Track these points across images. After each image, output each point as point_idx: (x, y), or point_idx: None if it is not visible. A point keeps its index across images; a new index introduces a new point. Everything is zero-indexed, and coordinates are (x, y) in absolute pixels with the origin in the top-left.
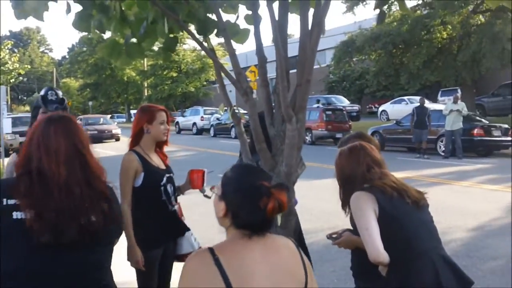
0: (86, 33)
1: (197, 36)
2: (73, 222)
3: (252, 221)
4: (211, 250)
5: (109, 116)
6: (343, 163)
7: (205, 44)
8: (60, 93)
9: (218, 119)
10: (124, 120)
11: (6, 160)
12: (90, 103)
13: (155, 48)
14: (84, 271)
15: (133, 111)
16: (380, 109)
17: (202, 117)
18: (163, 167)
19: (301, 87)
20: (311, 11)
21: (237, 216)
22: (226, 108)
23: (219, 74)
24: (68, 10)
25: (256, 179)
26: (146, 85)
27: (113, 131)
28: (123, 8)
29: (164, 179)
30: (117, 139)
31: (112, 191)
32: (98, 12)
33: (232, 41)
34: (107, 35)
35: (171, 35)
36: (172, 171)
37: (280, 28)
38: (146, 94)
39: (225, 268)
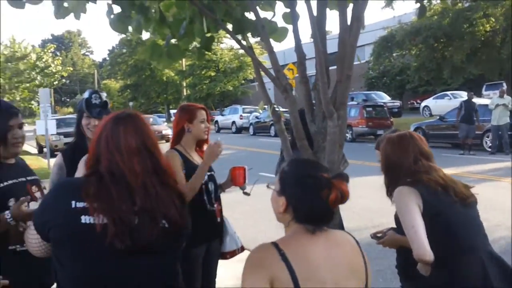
0: (125, 35)
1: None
2: (153, 224)
3: (314, 214)
4: (275, 244)
5: (149, 116)
6: (390, 150)
7: (244, 42)
8: (104, 95)
9: (257, 117)
10: (164, 119)
11: (52, 160)
12: (131, 103)
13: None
14: (157, 275)
15: (172, 111)
16: (423, 104)
17: (241, 115)
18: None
19: (341, 83)
20: (350, 6)
21: (298, 210)
22: (265, 106)
23: (258, 72)
24: (110, 11)
25: (315, 171)
26: (185, 84)
27: (163, 132)
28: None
29: (206, 177)
30: (167, 140)
31: (182, 190)
32: (137, 13)
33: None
34: (145, 36)
35: (208, 35)
36: (213, 169)
37: (318, 24)
38: (185, 93)
39: (291, 261)
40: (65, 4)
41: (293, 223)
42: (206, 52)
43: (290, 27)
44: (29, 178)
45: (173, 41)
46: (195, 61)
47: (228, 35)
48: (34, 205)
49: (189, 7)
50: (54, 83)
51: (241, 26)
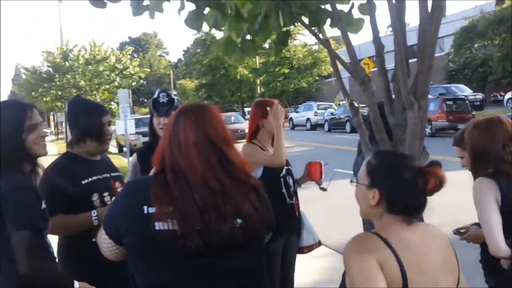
0: (200, 35)
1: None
2: (222, 222)
3: (411, 204)
4: (375, 233)
5: (232, 115)
6: (477, 136)
7: (320, 36)
8: (172, 93)
9: (332, 113)
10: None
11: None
12: (206, 102)
13: (266, 45)
14: (237, 276)
15: (247, 109)
16: (507, 97)
17: (315, 112)
18: None
19: (422, 73)
20: None
21: (393, 201)
22: (342, 100)
23: (335, 65)
24: (182, 7)
25: (406, 161)
26: (258, 82)
27: (246, 130)
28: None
29: (284, 170)
30: None
31: (262, 184)
32: (214, 10)
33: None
34: (219, 35)
35: (284, 29)
36: (290, 164)
37: (398, 13)
38: (259, 91)
39: (394, 248)
40: (145, 3)
41: (387, 216)
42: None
43: (366, 18)
44: (113, 174)
45: (247, 37)
46: (268, 59)
47: (302, 32)
48: None
49: (264, 2)
50: (133, 84)
51: (317, 18)
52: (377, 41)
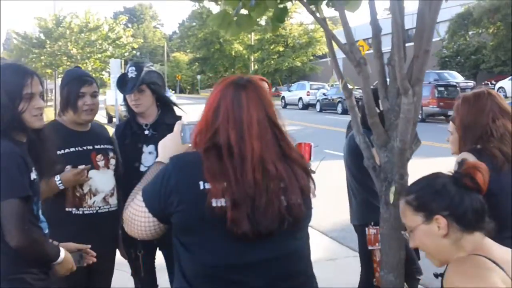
0: (197, 8)
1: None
2: (272, 207)
3: (476, 206)
4: (476, 255)
5: None
6: (465, 110)
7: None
8: (145, 65)
9: (324, 94)
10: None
11: None
12: (199, 77)
13: (262, 21)
14: (287, 262)
15: None
16: (497, 85)
17: (308, 92)
18: None
19: (419, 58)
20: None
21: (462, 213)
22: (336, 81)
23: (331, 45)
24: None
25: (439, 175)
26: (253, 59)
27: None
28: None
29: None
30: None
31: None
32: None
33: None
34: (215, 9)
35: (281, 6)
36: None
37: None
38: (252, 68)
39: (503, 267)
40: None
41: (466, 236)
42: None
43: None
44: (97, 146)
45: (243, 11)
46: (264, 36)
47: (298, 10)
48: (94, 174)
49: None
50: (125, 54)
51: None
52: (374, 23)
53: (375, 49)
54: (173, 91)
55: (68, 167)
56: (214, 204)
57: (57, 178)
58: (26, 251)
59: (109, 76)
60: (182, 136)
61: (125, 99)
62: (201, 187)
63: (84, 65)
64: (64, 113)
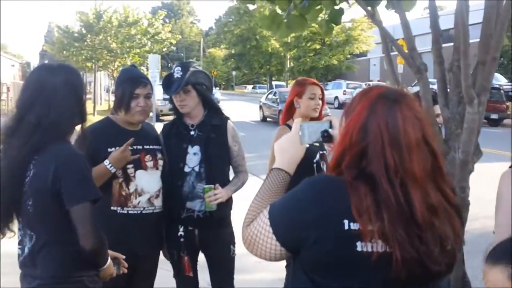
0: (234, 3)
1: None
2: (439, 246)
3: None
4: None
5: (251, 86)
6: None
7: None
8: (191, 65)
9: None
10: (266, 90)
11: (158, 124)
12: (234, 73)
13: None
14: None
15: (275, 83)
16: None
17: (344, 91)
18: (317, 143)
19: (485, 65)
20: None
21: None
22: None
23: (387, 49)
24: None
25: None
26: (289, 57)
27: None
28: None
29: (317, 155)
30: None
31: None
32: None
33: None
34: (252, 6)
35: (337, 7)
36: (325, 148)
37: None
38: (288, 66)
39: None
40: None
41: None
42: (313, 25)
43: None
44: (146, 146)
45: (294, 12)
46: (300, 33)
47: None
48: (141, 174)
49: None
50: (163, 49)
51: None
52: (435, 27)
53: (436, 55)
54: (217, 88)
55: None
56: (359, 249)
57: (106, 162)
58: (97, 254)
59: (147, 70)
60: (300, 136)
61: (171, 99)
62: (346, 227)
63: (124, 59)
64: (117, 111)
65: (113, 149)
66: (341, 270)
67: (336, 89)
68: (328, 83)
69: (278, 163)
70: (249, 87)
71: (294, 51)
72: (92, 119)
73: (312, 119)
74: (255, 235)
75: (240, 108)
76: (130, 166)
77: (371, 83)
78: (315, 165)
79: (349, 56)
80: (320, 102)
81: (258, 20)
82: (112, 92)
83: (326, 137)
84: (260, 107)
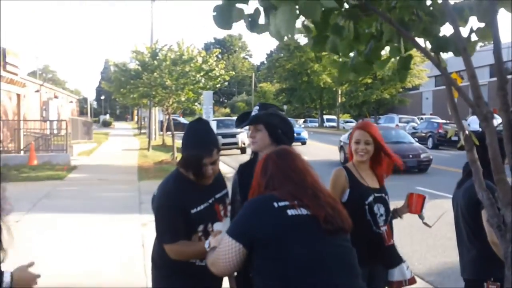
0: (285, 39)
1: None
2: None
3: None
4: None
5: (302, 120)
6: None
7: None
8: (271, 107)
9: (414, 128)
10: (317, 124)
11: None
12: (285, 107)
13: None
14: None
15: (326, 116)
16: None
17: (397, 125)
18: (375, 186)
19: None
20: None
21: None
22: (454, 134)
23: (451, 94)
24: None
25: None
26: (340, 91)
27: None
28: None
29: (371, 197)
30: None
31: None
32: (332, 34)
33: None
34: (303, 41)
35: (405, 54)
36: (386, 192)
37: None
38: (340, 100)
39: None
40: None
41: None
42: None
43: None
44: (217, 196)
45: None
46: None
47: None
48: (217, 226)
49: (386, 27)
50: (217, 86)
51: (441, 45)
52: (500, 72)
53: (502, 102)
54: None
55: (201, 226)
56: (290, 214)
57: (206, 244)
58: None
59: (200, 106)
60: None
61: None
62: (276, 205)
63: (178, 96)
64: (186, 171)
65: (195, 209)
66: (287, 234)
67: (389, 123)
68: (380, 117)
69: None
70: (300, 121)
71: (346, 86)
72: (147, 153)
73: (373, 164)
74: (217, 253)
75: (313, 147)
76: (210, 224)
77: (424, 116)
78: (367, 206)
79: (401, 90)
80: (368, 147)
81: (328, 64)
82: (166, 129)
83: None
84: (341, 147)
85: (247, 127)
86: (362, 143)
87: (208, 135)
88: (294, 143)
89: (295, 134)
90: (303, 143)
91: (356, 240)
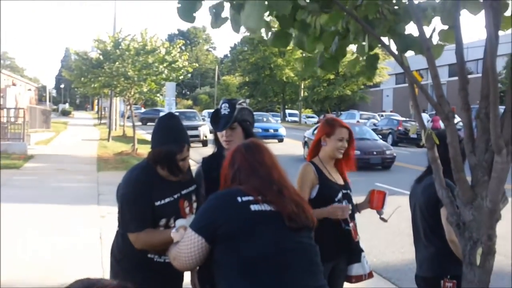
0: (249, 34)
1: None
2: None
3: None
4: None
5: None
6: None
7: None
8: (237, 102)
9: (375, 124)
10: (279, 119)
11: None
12: (248, 100)
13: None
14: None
15: (288, 111)
16: None
17: (358, 121)
18: (340, 182)
19: None
20: None
21: None
22: (415, 131)
23: (413, 93)
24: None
25: None
26: (303, 86)
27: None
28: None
29: (340, 194)
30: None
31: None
32: (298, 31)
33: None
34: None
35: (372, 53)
36: (350, 188)
37: (490, 38)
38: (302, 95)
39: None
40: (223, 14)
41: None
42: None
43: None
44: (183, 192)
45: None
46: None
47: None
48: (180, 222)
49: (352, 23)
50: (180, 77)
51: (406, 44)
52: (462, 74)
53: (463, 102)
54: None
55: (163, 220)
56: (253, 209)
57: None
58: None
59: (163, 98)
60: None
61: (215, 133)
62: (239, 200)
63: (140, 87)
64: (154, 165)
65: (159, 202)
66: (248, 230)
67: (350, 119)
68: (341, 113)
69: None
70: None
71: (309, 81)
72: (107, 144)
73: (336, 160)
74: (179, 248)
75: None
76: (172, 219)
77: (384, 113)
78: (336, 203)
79: (362, 86)
80: (347, 144)
81: (295, 59)
82: (127, 118)
83: None
84: (305, 143)
85: (207, 119)
86: (344, 141)
87: (180, 132)
88: (271, 140)
89: (271, 131)
90: (280, 140)
91: (324, 236)
